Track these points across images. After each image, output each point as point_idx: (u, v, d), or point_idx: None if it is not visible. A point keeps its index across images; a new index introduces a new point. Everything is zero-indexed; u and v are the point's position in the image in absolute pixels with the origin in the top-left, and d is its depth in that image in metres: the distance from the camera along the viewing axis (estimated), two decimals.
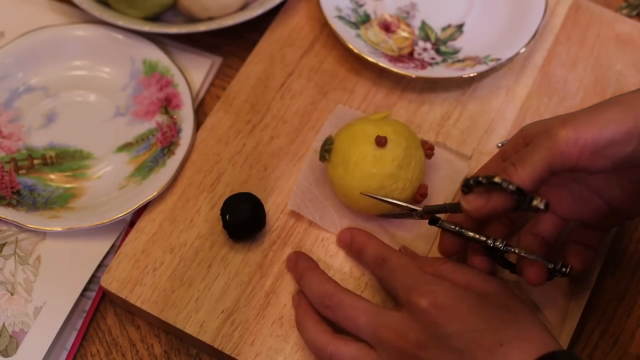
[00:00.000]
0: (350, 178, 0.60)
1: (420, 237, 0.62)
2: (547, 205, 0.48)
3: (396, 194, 0.59)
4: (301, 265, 0.59)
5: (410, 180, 0.60)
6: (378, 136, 0.59)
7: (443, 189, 0.64)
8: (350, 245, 0.61)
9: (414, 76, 0.67)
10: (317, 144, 0.65)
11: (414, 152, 0.60)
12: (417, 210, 0.58)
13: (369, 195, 0.59)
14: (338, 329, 0.55)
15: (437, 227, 0.57)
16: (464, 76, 0.67)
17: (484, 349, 0.50)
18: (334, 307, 0.55)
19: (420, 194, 0.61)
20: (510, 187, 0.47)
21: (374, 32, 0.72)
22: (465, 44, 0.72)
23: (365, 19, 0.73)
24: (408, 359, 0.52)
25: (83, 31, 0.72)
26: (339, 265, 0.61)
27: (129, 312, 0.62)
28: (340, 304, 0.55)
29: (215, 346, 0.58)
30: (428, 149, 0.62)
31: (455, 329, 0.51)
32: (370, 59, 0.68)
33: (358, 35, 0.71)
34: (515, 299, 0.54)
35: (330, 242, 0.62)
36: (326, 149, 0.62)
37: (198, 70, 0.72)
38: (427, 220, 0.58)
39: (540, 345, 0.50)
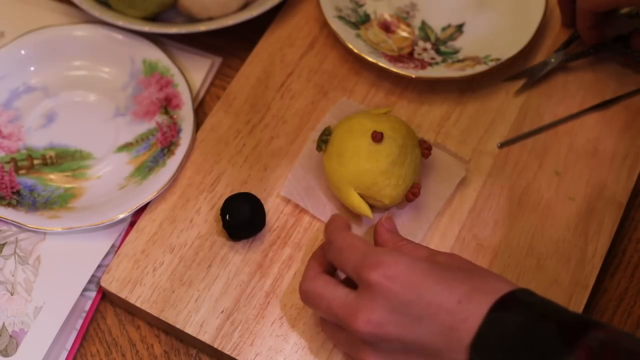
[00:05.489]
0: (344, 171, 0.60)
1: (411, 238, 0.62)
2: None
3: (388, 191, 0.59)
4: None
5: (404, 178, 0.60)
6: (374, 131, 0.59)
7: (438, 190, 0.64)
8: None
9: (413, 76, 0.67)
10: (316, 134, 0.65)
11: (409, 150, 0.60)
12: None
13: (366, 202, 0.59)
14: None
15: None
16: (464, 76, 0.67)
17: (444, 310, 0.48)
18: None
19: (412, 192, 0.61)
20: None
21: (373, 32, 0.72)
22: (465, 44, 0.72)
23: (365, 19, 0.73)
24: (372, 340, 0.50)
25: (83, 31, 0.72)
26: None
27: (129, 312, 0.62)
28: (317, 297, 0.54)
29: (215, 346, 0.58)
30: (425, 149, 0.62)
31: (411, 297, 0.49)
32: (370, 59, 0.68)
33: (358, 35, 0.71)
34: (471, 263, 0.53)
35: None
36: (323, 139, 0.62)
37: (198, 70, 0.72)
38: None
39: (498, 291, 0.49)
